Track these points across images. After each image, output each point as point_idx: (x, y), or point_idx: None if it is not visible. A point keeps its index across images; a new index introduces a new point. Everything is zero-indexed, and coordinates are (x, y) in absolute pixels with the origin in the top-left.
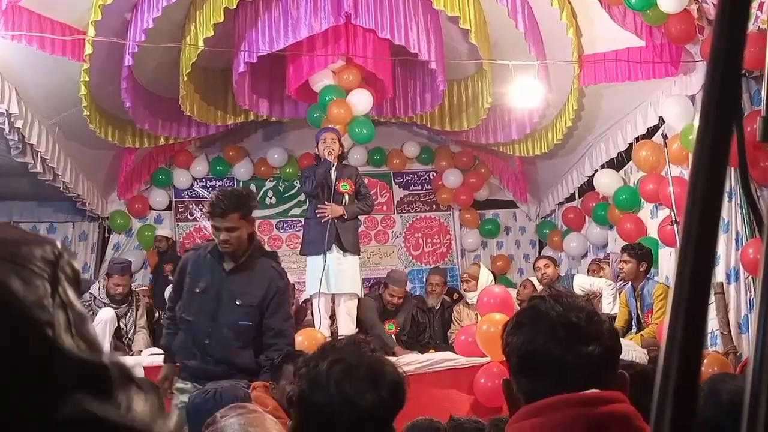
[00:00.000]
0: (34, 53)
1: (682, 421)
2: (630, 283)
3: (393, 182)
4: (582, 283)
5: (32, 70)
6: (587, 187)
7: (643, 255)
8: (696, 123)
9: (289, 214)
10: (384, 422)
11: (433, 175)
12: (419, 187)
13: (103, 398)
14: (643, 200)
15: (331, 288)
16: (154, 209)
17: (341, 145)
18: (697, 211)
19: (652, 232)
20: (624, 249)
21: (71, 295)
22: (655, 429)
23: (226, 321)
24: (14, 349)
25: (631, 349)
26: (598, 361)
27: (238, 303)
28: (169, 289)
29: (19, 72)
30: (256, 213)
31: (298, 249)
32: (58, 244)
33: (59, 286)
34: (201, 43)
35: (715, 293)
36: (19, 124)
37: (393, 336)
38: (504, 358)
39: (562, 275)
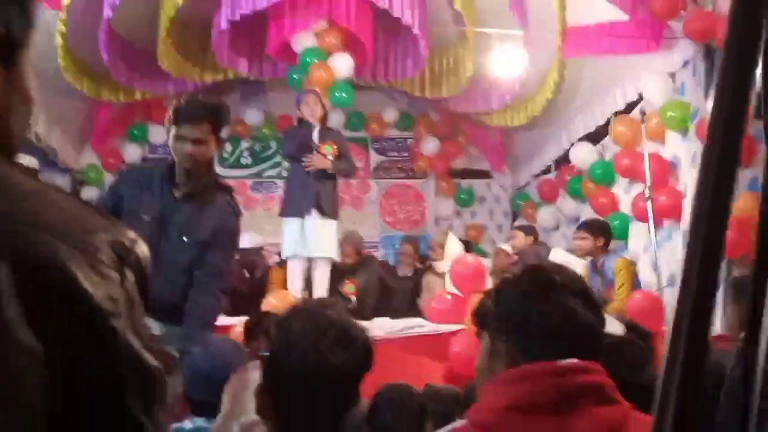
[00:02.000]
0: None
1: (688, 407)
2: (591, 258)
3: (370, 147)
4: (558, 258)
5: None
6: (563, 159)
7: (598, 230)
8: (674, 99)
9: (264, 176)
10: (353, 382)
11: (411, 142)
12: (396, 154)
13: (149, 410)
14: (617, 175)
15: (308, 251)
16: (127, 163)
17: (323, 106)
18: (708, 196)
19: (625, 208)
20: (579, 226)
21: (135, 291)
22: (659, 415)
23: (172, 259)
24: (84, 342)
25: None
26: (599, 332)
27: (185, 239)
28: None
29: None
30: (231, 172)
31: (272, 210)
32: (130, 235)
33: (126, 280)
34: None
35: None
36: None
37: (353, 298)
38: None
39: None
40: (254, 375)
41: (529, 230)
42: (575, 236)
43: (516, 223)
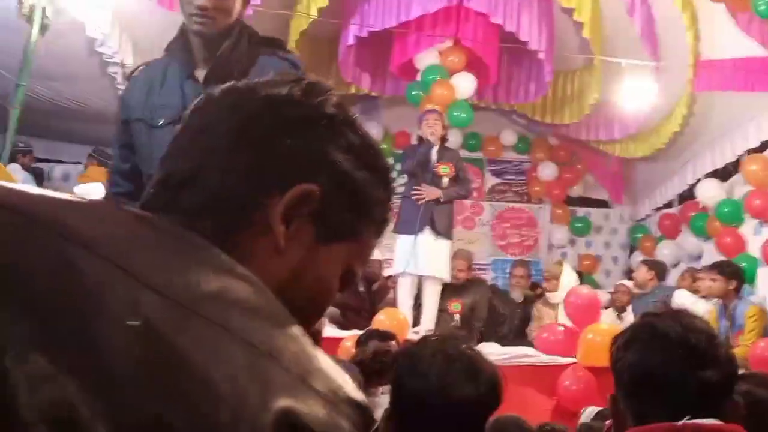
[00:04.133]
0: (149, 6)
1: None
2: (721, 301)
3: (486, 169)
4: (683, 302)
5: (147, 22)
6: (687, 195)
7: (732, 273)
8: None
9: None
10: (478, 417)
11: (527, 165)
12: (512, 177)
13: None
14: (747, 215)
15: (418, 269)
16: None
17: (444, 126)
18: None
19: (753, 250)
20: (712, 266)
21: None
22: None
23: None
24: None
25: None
26: (715, 388)
27: None
28: None
29: (134, 24)
30: None
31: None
32: (355, 398)
33: None
34: (314, 12)
35: None
36: None
37: (457, 317)
38: (611, 371)
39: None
40: (383, 400)
41: (654, 266)
42: (706, 275)
43: (633, 256)
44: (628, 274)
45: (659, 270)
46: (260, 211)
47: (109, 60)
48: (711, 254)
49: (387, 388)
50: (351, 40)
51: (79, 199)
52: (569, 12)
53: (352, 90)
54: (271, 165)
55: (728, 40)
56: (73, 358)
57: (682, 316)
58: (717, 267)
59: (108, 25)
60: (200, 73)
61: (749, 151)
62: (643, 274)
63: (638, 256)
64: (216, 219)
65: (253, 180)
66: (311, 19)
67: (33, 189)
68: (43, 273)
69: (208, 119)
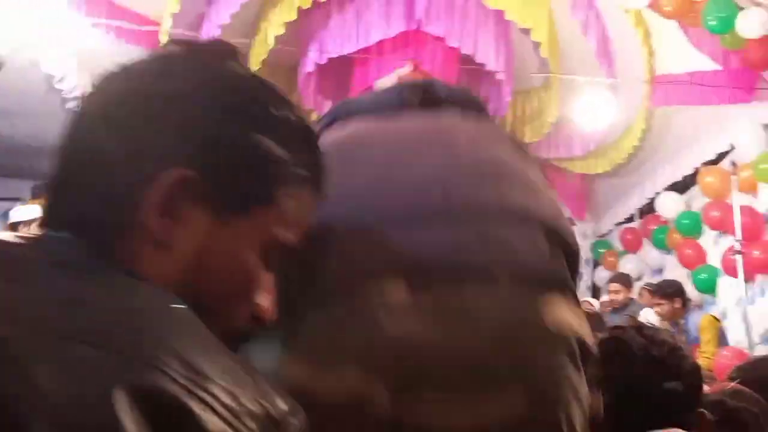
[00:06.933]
0: (108, 41)
1: None
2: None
3: None
4: (648, 321)
5: (106, 58)
6: (647, 209)
7: (673, 293)
8: None
9: None
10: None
11: None
12: None
13: None
14: (705, 227)
15: None
16: None
17: None
18: None
19: (713, 260)
20: (653, 292)
21: None
22: None
23: None
24: None
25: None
26: (679, 399)
27: None
28: None
29: (97, 61)
30: None
31: None
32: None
33: None
34: (272, 40)
35: None
36: None
37: None
38: None
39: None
40: None
41: (619, 279)
42: (652, 302)
43: (596, 271)
44: (593, 289)
45: (625, 281)
46: (141, 210)
47: (68, 96)
48: (673, 267)
49: None
50: (310, 67)
51: None
52: (528, 32)
53: (314, 117)
54: (141, 153)
55: (682, 54)
56: None
57: (646, 329)
58: (658, 292)
59: (66, 61)
60: None
61: (705, 164)
62: (612, 287)
63: (602, 272)
64: (98, 227)
65: (126, 174)
66: (270, 48)
67: None
68: None
69: (81, 113)
